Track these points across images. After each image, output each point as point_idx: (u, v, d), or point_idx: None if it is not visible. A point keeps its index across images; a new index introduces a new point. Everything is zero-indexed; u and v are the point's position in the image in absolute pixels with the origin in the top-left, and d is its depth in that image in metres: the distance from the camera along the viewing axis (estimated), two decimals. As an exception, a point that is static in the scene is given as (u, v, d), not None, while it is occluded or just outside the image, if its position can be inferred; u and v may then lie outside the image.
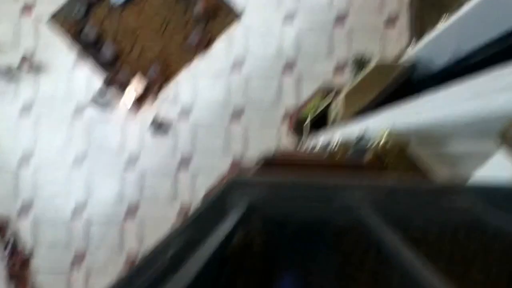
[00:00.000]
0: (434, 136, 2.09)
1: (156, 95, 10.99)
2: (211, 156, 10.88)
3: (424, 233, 0.81)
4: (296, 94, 10.92)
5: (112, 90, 11.14)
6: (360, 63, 10.13)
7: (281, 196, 0.71)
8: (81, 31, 11.06)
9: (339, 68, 10.83)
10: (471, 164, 1.87)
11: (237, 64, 10.96)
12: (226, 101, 10.90)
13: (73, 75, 11.01)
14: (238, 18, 11.32)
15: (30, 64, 10.51)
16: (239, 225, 0.63)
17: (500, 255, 0.87)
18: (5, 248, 9.76)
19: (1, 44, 10.60)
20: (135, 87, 11.17)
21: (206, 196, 10.46)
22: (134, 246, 10.63)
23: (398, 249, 0.50)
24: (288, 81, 10.88)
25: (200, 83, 11.03)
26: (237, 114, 10.89)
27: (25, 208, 10.55)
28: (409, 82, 6.03)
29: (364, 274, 0.85)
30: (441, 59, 5.03)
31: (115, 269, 10.54)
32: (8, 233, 10.06)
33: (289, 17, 10.92)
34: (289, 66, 10.87)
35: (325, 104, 10.25)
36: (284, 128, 10.89)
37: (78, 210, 10.61)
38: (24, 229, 10.53)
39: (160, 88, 11.23)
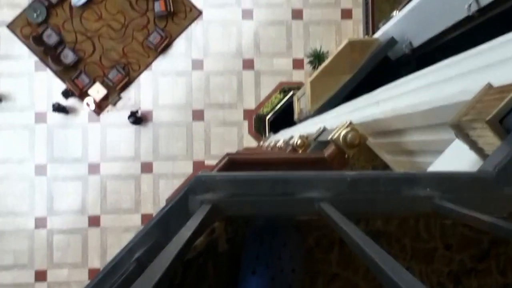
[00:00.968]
0: (392, 127, 2.13)
1: (118, 96, 10.85)
2: (174, 158, 10.82)
3: (385, 224, 0.82)
4: (256, 90, 10.95)
5: (74, 94, 10.94)
6: (318, 57, 10.22)
7: (243, 193, 0.71)
8: (41, 34, 10.82)
9: (298, 63, 10.91)
10: (430, 154, 1.91)
11: (198, 62, 10.92)
12: (187, 100, 10.84)
13: (34, 81, 10.76)
14: (198, 16, 11.27)
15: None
16: (202, 226, 0.63)
17: (459, 244, 0.89)
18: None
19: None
20: (97, 90, 11.00)
21: (169, 198, 10.38)
22: (98, 252, 10.48)
23: (361, 242, 0.51)
24: (248, 78, 10.90)
25: (161, 82, 10.94)
26: (198, 113, 10.85)
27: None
28: (387, 60, 5.56)
29: (331, 268, 0.85)
30: (425, 31, 4.69)
31: (80, 278, 10.38)
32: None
33: (248, 13, 10.93)
34: (248, 63, 10.89)
35: (285, 100, 10.29)
36: (246, 125, 10.91)
37: (40, 220, 10.39)
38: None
39: (122, 89, 11.10)
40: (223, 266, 0.80)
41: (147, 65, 11.16)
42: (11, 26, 10.91)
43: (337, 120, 2.76)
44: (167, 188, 10.49)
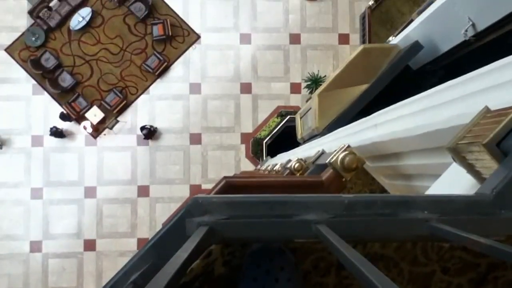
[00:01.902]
0: (390, 151, 2.13)
1: (115, 120, 10.87)
2: (171, 182, 10.79)
3: (383, 247, 0.82)
4: (253, 114, 10.99)
5: (71, 118, 10.96)
6: (315, 81, 10.28)
7: (241, 216, 0.71)
8: (39, 58, 10.88)
9: (295, 87, 10.96)
10: (427, 178, 1.91)
11: (195, 86, 10.97)
12: (184, 124, 10.87)
13: (31, 104, 10.78)
14: (196, 40, 11.36)
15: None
16: (199, 248, 0.62)
17: (457, 268, 0.89)
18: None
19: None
20: (94, 113, 11.03)
21: (166, 222, 10.34)
22: (94, 276, 10.38)
23: (358, 264, 0.51)
24: (246, 102, 10.95)
25: (158, 106, 10.98)
26: (196, 137, 10.86)
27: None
28: (408, 69, 4.98)
29: (327, 291, 0.85)
30: (453, 34, 4.15)
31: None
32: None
33: (246, 38, 11.03)
34: (246, 87, 10.95)
35: (282, 123, 10.31)
36: (243, 149, 10.92)
37: (35, 244, 10.31)
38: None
39: (119, 113, 11.12)
40: (220, 289, 0.79)
41: (145, 89, 11.22)
42: (9, 50, 10.98)
43: (335, 144, 2.76)
44: (164, 212, 10.44)
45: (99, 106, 11.04)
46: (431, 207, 0.73)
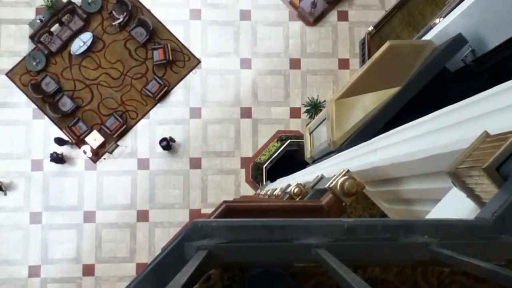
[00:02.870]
0: (390, 175, 2.13)
1: (115, 144, 10.88)
2: (170, 206, 10.75)
3: (383, 272, 0.81)
4: (253, 138, 11.01)
5: (67, 142, 10.98)
6: (315, 106, 10.32)
7: (240, 240, 0.70)
8: (40, 82, 10.94)
9: (295, 112, 11.00)
10: (427, 202, 1.91)
11: (195, 111, 11.01)
12: (184, 149, 10.88)
13: (31, 128, 10.80)
14: (196, 65, 11.44)
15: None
16: (198, 272, 0.62)
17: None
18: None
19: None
20: (94, 137, 11.05)
21: (165, 247, 10.29)
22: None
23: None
24: (246, 126, 10.97)
25: (158, 131, 11.00)
26: (195, 161, 10.86)
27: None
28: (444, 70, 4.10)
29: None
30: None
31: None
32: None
33: (246, 63, 11.11)
34: (246, 111, 10.99)
35: (283, 148, 10.31)
36: (243, 173, 10.91)
37: (34, 269, 10.22)
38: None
39: (119, 137, 11.14)
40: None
41: (145, 113, 11.26)
42: (10, 74, 11.05)
43: (335, 168, 2.76)
44: (163, 237, 10.38)
45: (99, 130, 11.06)
46: (431, 231, 0.72)
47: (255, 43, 11.16)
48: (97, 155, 10.92)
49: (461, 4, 3.89)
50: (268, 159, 10.78)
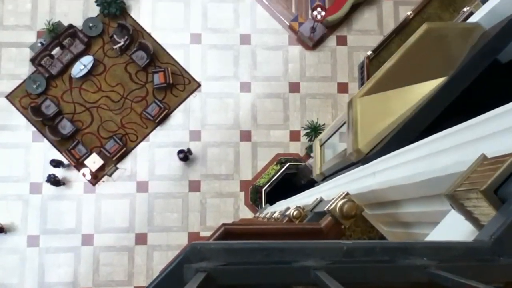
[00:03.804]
0: (389, 198, 2.13)
1: (115, 167, 10.86)
2: (168, 230, 10.69)
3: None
4: (253, 162, 11.00)
5: (70, 165, 10.97)
6: (314, 129, 10.34)
7: (239, 262, 0.70)
8: (40, 105, 10.96)
9: (294, 135, 11.02)
10: (425, 225, 1.90)
11: (195, 134, 11.03)
12: (184, 172, 10.86)
13: (30, 151, 10.79)
14: (196, 88, 11.49)
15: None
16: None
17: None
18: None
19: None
20: (93, 160, 11.03)
21: (163, 270, 10.19)
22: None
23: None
24: (245, 149, 10.98)
25: (158, 153, 11.00)
26: (195, 184, 10.84)
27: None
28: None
29: None
30: None
31: None
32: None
33: (245, 86, 11.16)
34: (245, 134, 11.01)
35: (282, 171, 10.29)
36: (242, 196, 10.88)
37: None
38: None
39: (119, 160, 11.13)
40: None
41: (145, 136, 11.27)
42: (10, 97, 11.08)
43: (334, 191, 2.75)
44: (161, 260, 10.29)
45: (99, 153, 11.06)
46: (430, 254, 0.72)
47: (255, 67, 11.23)
48: (96, 178, 10.90)
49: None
50: (267, 182, 10.76)
